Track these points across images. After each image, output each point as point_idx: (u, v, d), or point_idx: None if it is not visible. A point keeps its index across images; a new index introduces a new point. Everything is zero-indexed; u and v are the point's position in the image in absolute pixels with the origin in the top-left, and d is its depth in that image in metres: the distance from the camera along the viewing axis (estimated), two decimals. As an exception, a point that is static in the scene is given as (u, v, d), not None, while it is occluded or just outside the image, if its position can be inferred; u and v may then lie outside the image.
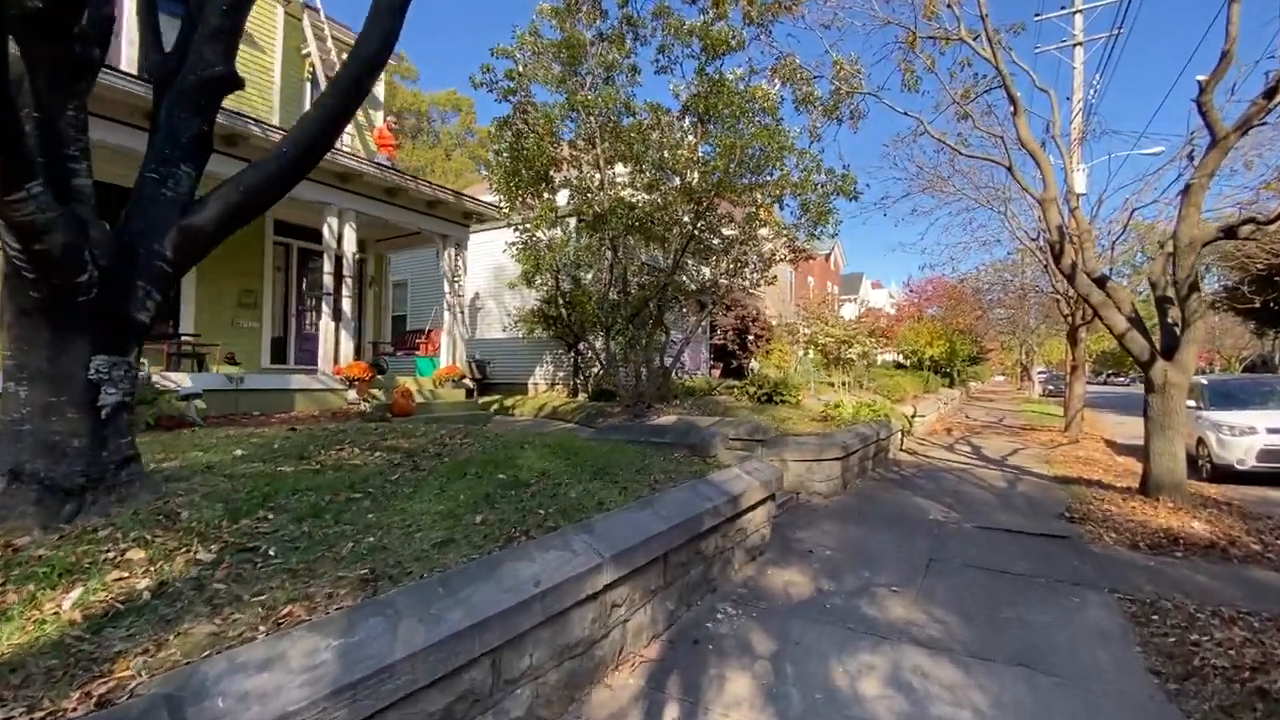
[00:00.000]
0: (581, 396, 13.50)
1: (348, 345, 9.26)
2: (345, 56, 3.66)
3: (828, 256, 47.84)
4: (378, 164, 9.53)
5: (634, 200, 9.74)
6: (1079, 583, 4.74)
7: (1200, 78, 6.04)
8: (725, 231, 11.86)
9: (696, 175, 9.35)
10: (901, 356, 29.19)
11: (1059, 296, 14.70)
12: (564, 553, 2.87)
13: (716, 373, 18.97)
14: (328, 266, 8.97)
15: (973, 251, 17.50)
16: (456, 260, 11.17)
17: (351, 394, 8.94)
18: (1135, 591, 4.50)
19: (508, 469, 4.52)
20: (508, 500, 3.86)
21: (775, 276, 13.63)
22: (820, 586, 4.62)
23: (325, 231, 9.07)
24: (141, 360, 3.76)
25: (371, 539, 2.95)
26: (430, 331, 11.37)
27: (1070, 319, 14.16)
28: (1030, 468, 10.32)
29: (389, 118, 12.09)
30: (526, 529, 3.36)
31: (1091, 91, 16.82)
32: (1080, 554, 5.51)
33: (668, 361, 11.02)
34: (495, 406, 12.78)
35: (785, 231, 10.95)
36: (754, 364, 21.42)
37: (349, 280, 9.29)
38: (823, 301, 19.40)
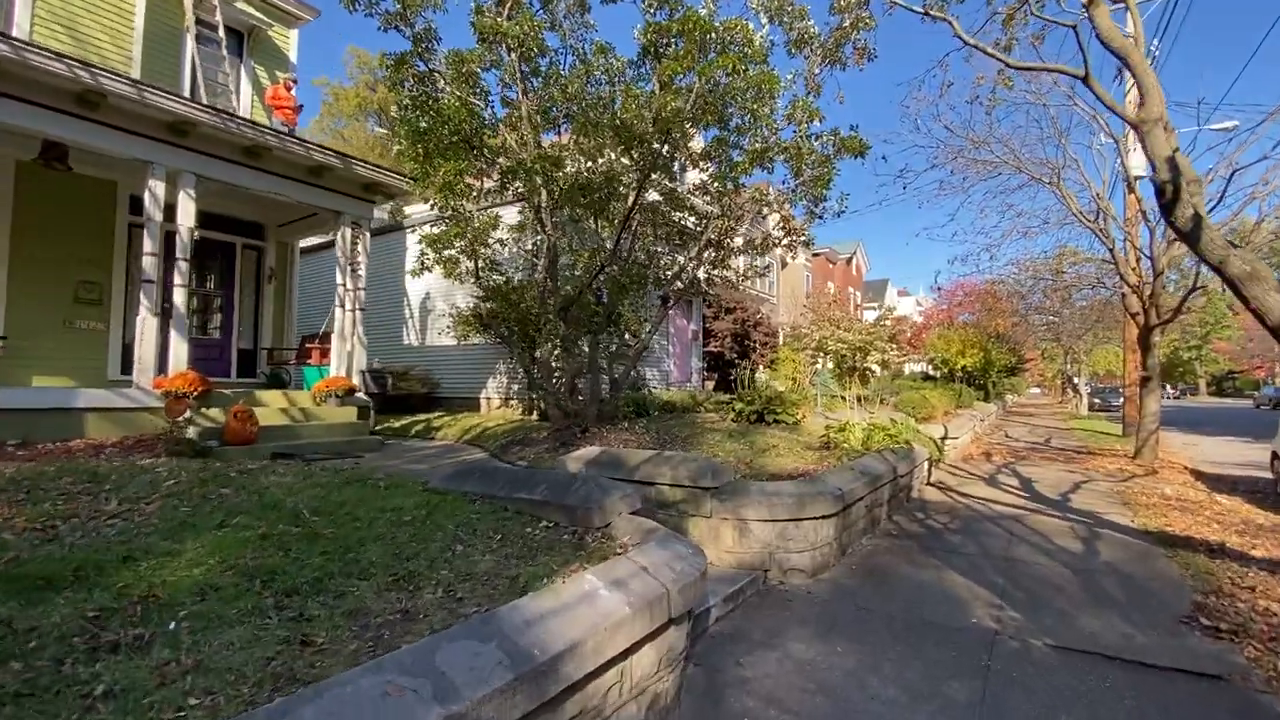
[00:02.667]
0: (536, 415, 11.09)
1: (180, 349, 6.98)
2: None
3: (849, 260, 44.96)
4: (224, 113, 7.29)
5: (560, 157, 7.33)
6: None
7: None
8: (698, 203, 9.40)
9: (643, 114, 6.87)
10: (930, 367, 26.25)
11: (1128, 290, 11.84)
12: None
13: (710, 385, 16.40)
14: (149, 245, 6.74)
15: (1013, 240, 14.64)
16: (354, 244, 8.88)
17: (184, 414, 6.65)
18: None
19: (117, 577, 2.14)
20: None
21: (769, 266, 11.10)
22: None
23: (146, 199, 6.83)
24: None
25: None
26: (325, 335, 9.07)
27: (1142, 317, 11.30)
28: (1107, 514, 7.57)
29: (287, 76, 9.93)
30: None
31: (1150, 61, 14.04)
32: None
33: (619, 371, 8.53)
34: (405, 429, 10.41)
35: (764, 197, 8.36)
36: (761, 375, 18.81)
37: (182, 264, 7.03)
38: (834, 301, 16.70)
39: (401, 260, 14.27)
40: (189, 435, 6.42)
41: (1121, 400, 32.60)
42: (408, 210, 17.59)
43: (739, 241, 10.16)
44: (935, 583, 5.03)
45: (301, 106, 10.01)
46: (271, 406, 7.67)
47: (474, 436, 9.14)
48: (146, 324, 6.78)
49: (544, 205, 7.50)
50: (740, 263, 10.96)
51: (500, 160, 7.55)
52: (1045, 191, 13.01)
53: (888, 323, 14.75)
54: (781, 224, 10.20)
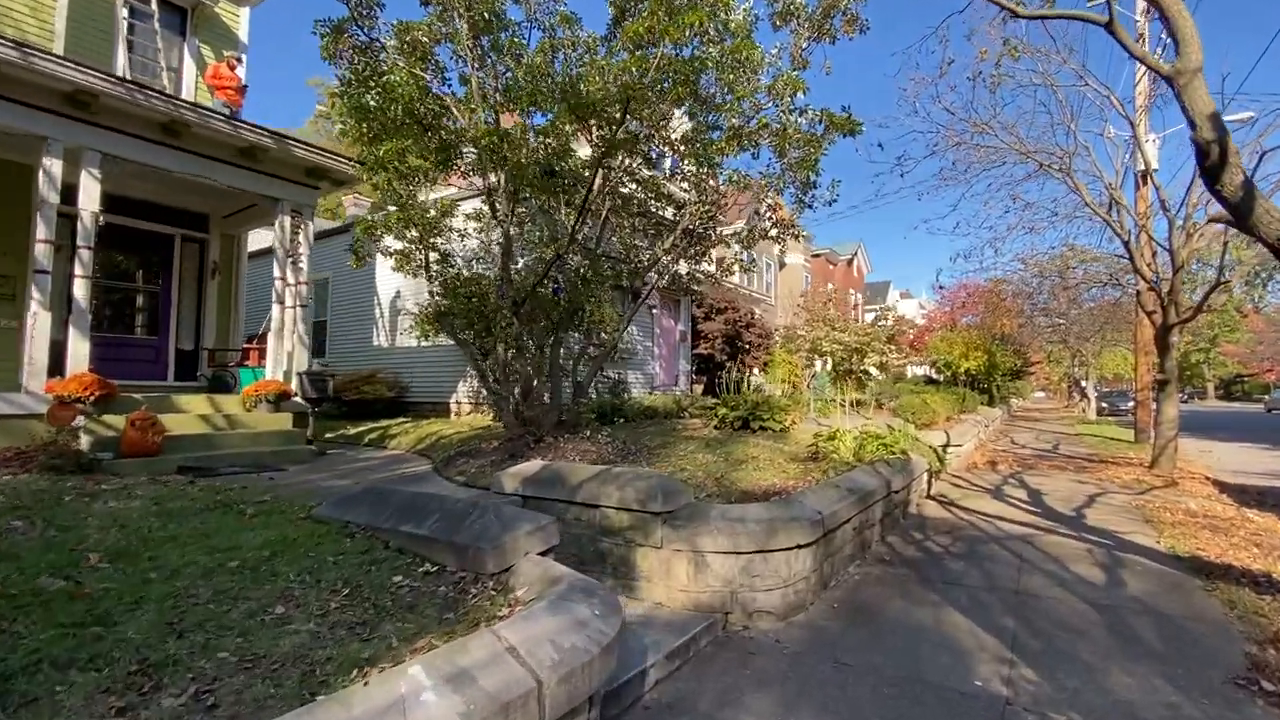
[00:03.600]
0: (504, 422, 10.26)
1: (80, 348, 6.19)
2: None
3: (850, 261, 44.12)
4: (132, 84, 6.50)
5: (515, 134, 6.51)
6: None
7: None
8: (676, 190, 8.59)
9: (607, 87, 6.04)
10: (933, 370, 25.38)
11: (1143, 287, 10.98)
12: None
13: (699, 389, 15.56)
14: (42, 231, 5.95)
15: (1018, 234, 13.77)
16: (296, 234, 8.09)
17: (79, 419, 5.86)
18: None
19: None
20: None
21: (754, 261, 10.27)
22: None
23: (40, 179, 6.05)
24: None
25: None
26: (265, 335, 8.26)
27: (1160, 316, 10.44)
28: (1128, 533, 6.71)
29: (230, 54, 9.15)
30: None
31: (1159, 49, 13.25)
32: None
33: (584, 374, 7.70)
34: (358, 437, 9.60)
35: (744, 180, 7.52)
36: (756, 378, 17.98)
37: (84, 253, 6.24)
38: (829, 300, 15.85)
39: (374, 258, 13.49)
40: (80, 446, 5.62)
41: (1130, 405, 31.72)
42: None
43: (725, 232, 9.34)
44: (932, 625, 4.19)
45: (245, 87, 9.23)
46: (191, 413, 6.87)
47: (428, 445, 8.33)
48: (39, 319, 5.99)
49: (498, 189, 6.69)
50: (726, 255, 10.13)
51: (445, 136, 6.72)
52: (1053, 183, 12.23)
53: (886, 322, 13.87)
54: (769, 213, 9.39)
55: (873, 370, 13.01)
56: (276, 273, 7.91)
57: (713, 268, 10.15)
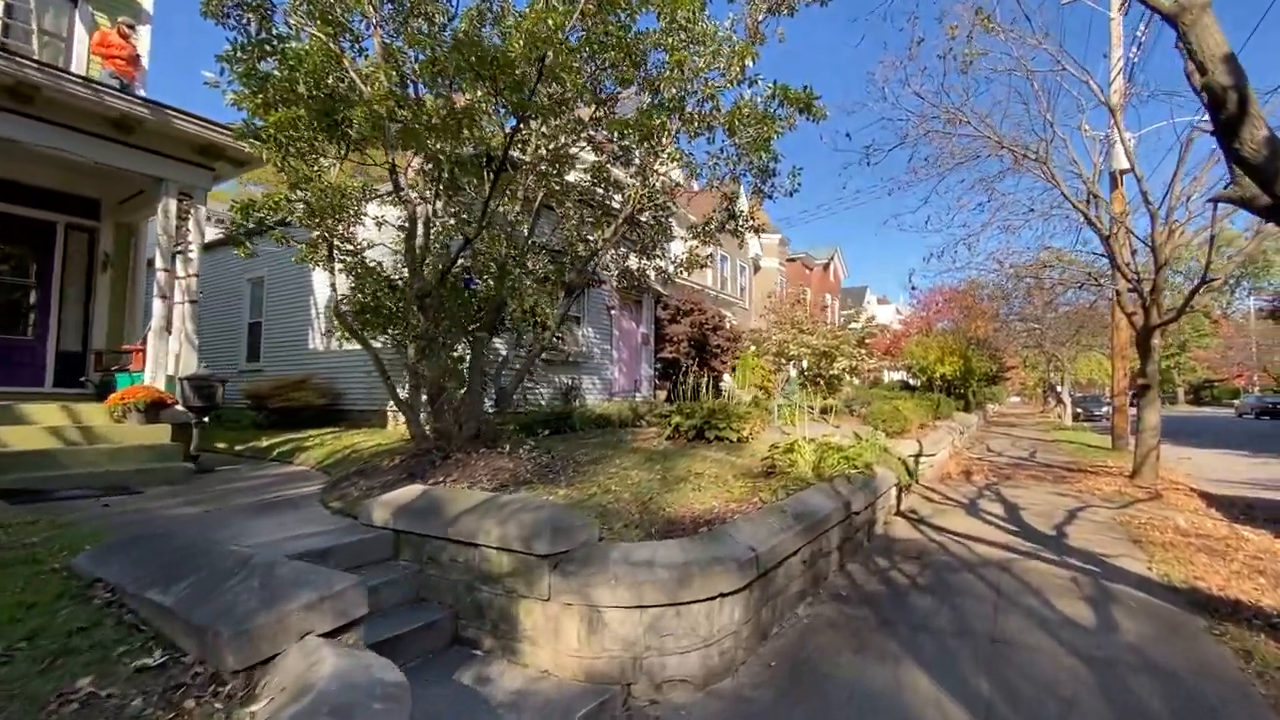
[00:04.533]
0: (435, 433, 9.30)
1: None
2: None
3: (826, 266, 43.76)
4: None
5: (414, 97, 5.60)
6: None
7: None
8: (622, 175, 7.77)
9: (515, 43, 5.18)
10: (909, 375, 24.84)
11: (1122, 287, 10.38)
12: None
13: (662, 394, 14.72)
14: None
15: (992, 232, 13.08)
16: (184, 220, 7.10)
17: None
18: None
19: None
20: None
21: (711, 257, 9.47)
22: None
23: None
24: None
25: None
26: (144, 337, 7.24)
27: (1141, 317, 9.83)
28: (1115, 557, 6.00)
29: (123, 20, 8.13)
30: None
31: (1134, 49, 12.78)
32: None
33: (509, 379, 6.80)
34: (267, 450, 8.60)
35: (685, 159, 6.66)
36: (726, 383, 17.19)
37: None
38: (797, 301, 15.12)
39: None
40: None
41: (1105, 410, 31.59)
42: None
43: (676, 226, 8.53)
44: (890, 691, 3.36)
45: (138, 57, 8.22)
46: (37, 425, 5.85)
47: (338, 460, 7.37)
48: None
49: (402, 165, 5.79)
50: (684, 250, 9.32)
51: (337, 102, 5.79)
52: (1028, 180, 11.65)
53: (856, 325, 13.16)
54: (725, 204, 8.60)
55: (843, 375, 12.29)
56: (160, 264, 6.90)
57: (670, 266, 9.32)
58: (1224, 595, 4.81)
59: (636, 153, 6.87)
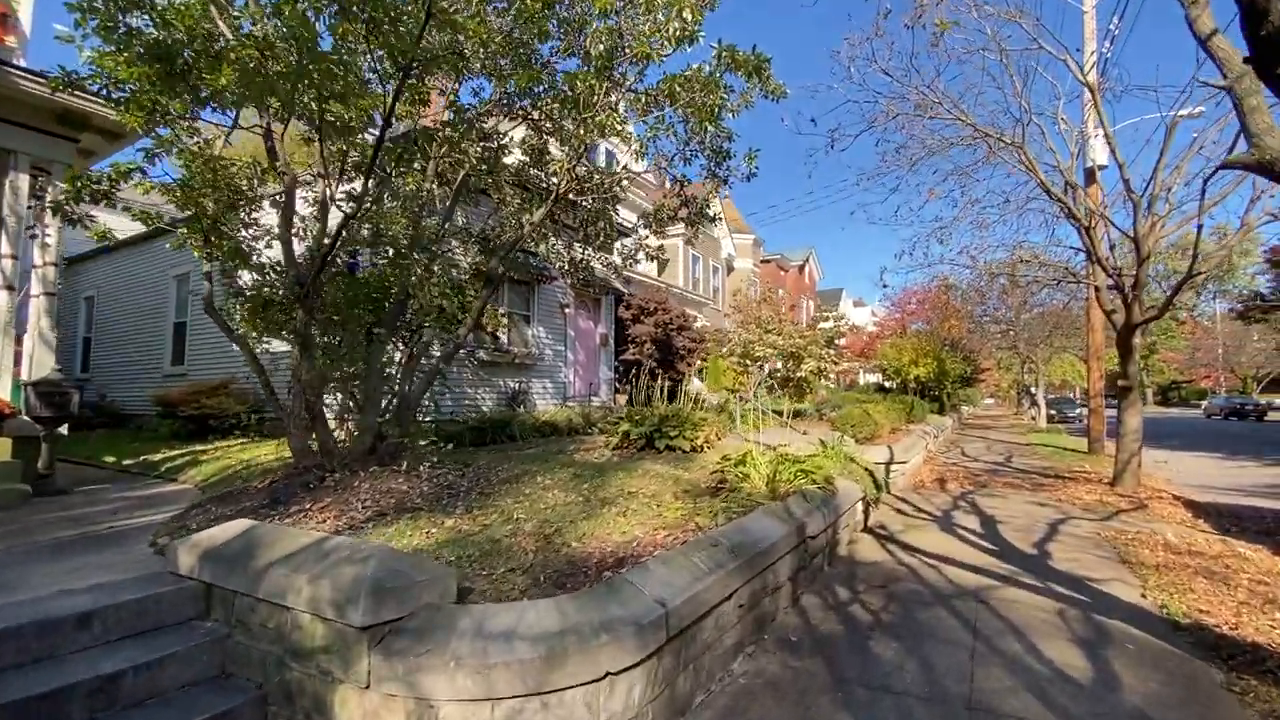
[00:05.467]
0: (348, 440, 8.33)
1: None
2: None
3: (801, 268, 43.34)
4: None
5: (275, 39, 4.68)
6: None
7: None
8: (558, 153, 6.91)
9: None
10: (884, 378, 24.32)
11: (1101, 283, 9.78)
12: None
13: (622, 399, 13.88)
14: None
15: (964, 226, 12.43)
16: (38, 199, 6.08)
17: None
18: None
19: None
20: None
21: (661, 248, 8.65)
22: None
23: None
24: None
25: None
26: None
27: (1122, 315, 9.23)
28: (1105, 583, 5.29)
29: (-16, -31, 7.07)
30: None
31: (1107, 44, 12.30)
32: None
33: (415, 385, 5.88)
34: (156, 464, 7.58)
35: (611, 124, 5.79)
36: (696, 386, 16.40)
37: None
38: (763, 299, 14.35)
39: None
40: None
41: (1079, 412, 31.47)
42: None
43: (632, 218, 7.68)
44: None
45: (7, 15, 7.15)
46: None
47: (227, 477, 6.40)
48: None
49: (277, 126, 4.85)
50: (629, 242, 8.47)
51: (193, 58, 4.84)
52: (1001, 173, 11.07)
53: (826, 324, 12.45)
54: (676, 190, 7.80)
55: (810, 377, 11.56)
56: (3, 248, 5.85)
57: (619, 259, 8.49)
58: (1238, 637, 4.08)
59: (566, 125, 6.00)
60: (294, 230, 4.95)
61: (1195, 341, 54.77)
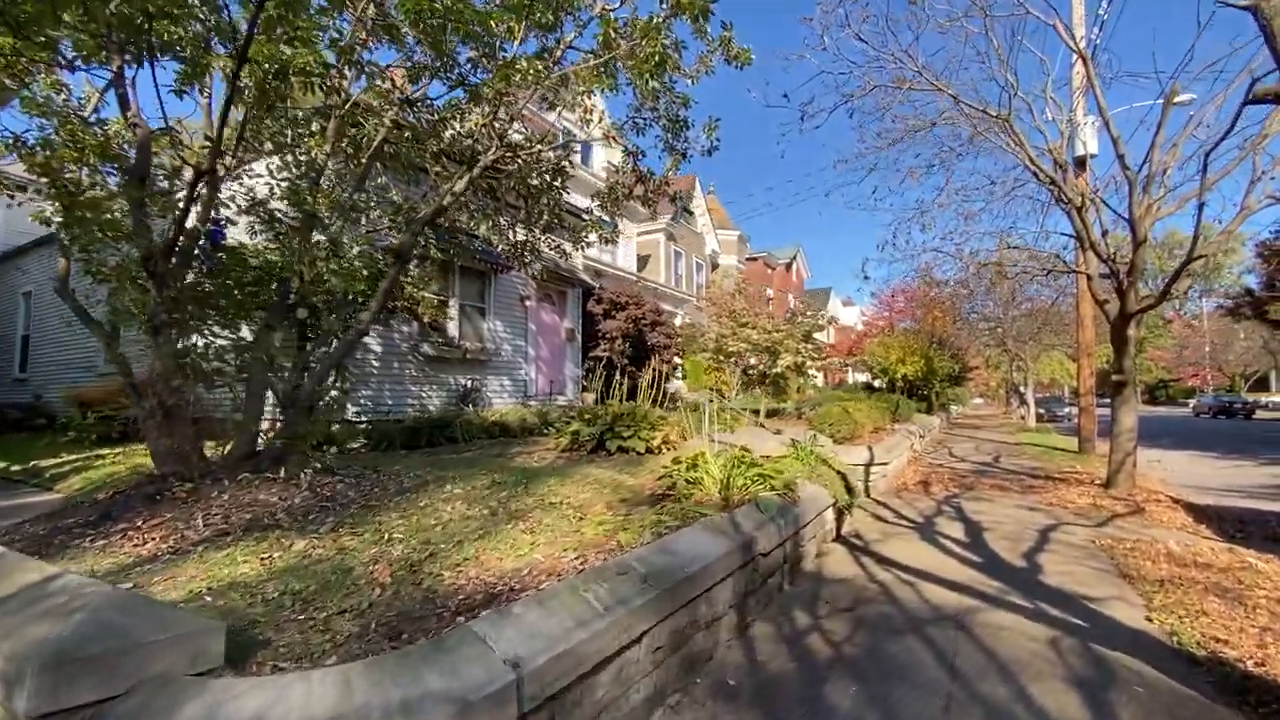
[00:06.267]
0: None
1: None
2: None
3: (789, 266, 42.79)
4: None
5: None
6: None
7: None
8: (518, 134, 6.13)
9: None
10: (871, 376, 23.68)
11: (1095, 271, 9.13)
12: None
13: (590, 397, 13.13)
14: None
15: (949, 214, 11.72)
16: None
17: None
18: None
19: None
20: None
21: (617, 230, 7.90)
22: None
23: None
24: None
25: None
26: None
27: (1117, 304, 8.57)
28: (1104, 602, 4.59)
29: None
30: None
31: (1096, 30, 11.70)
32: None
33: (307, 380, 5.08)
34: (36, 471, 6.77)
35: (532, 71, 5.00)
36: (676, 385, 15.66)
37: None
38: (738, 291, 13.61)
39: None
40: None
41: (1068, 410, 30.98)
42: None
43: (583, 202, 6.94)
44: None
45: None
46: None
47: (105, 485, 5.59)
48: None
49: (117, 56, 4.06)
50: (577, 225, 7.71)
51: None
52: (986, 160, 10.42)
53: (803, 318, 11.75)
54: (629, 163, 7.08)
55: (787, 373, 10.86)
56: None
57: (569, 245, 7.74)
58: (1267, 675, 3.37)
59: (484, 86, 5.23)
60: (136, 192, 4.15)
61: (1183, 340, 54.71)
